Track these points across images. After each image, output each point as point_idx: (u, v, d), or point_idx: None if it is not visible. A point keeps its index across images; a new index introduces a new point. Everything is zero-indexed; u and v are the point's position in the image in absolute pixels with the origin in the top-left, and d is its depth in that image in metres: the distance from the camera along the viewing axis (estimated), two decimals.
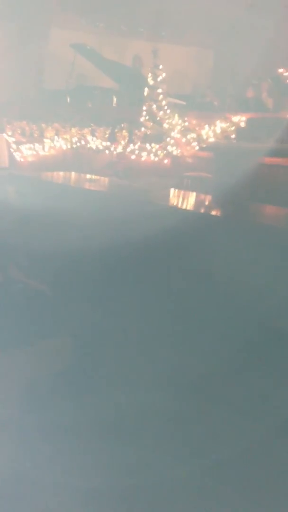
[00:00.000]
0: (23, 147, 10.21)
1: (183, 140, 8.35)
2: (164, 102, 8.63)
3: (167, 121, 8.49)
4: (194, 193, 6.04)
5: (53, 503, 2.45)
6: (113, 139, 8.93)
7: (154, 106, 8.57)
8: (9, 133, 10.34)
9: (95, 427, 2.85)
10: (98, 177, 6.81)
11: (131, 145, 8.70)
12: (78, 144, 9.49)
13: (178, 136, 8.37)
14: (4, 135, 10.16)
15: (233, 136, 8.10)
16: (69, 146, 9.65)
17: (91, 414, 2.91)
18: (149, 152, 8.51)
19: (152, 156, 8.49)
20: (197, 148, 8.21)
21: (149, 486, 2.60)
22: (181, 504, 2.55)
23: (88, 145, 9.33)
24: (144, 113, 8.67)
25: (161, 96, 8.60)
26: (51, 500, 2.46)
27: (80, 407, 2.92)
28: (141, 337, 3.76)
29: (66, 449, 2.71)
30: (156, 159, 8.46)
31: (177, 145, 8.36)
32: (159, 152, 8.41)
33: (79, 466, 2.63)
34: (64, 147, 9.73)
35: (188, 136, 8.31)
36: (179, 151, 8.34)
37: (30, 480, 2.52)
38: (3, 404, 2.91)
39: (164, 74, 8.69)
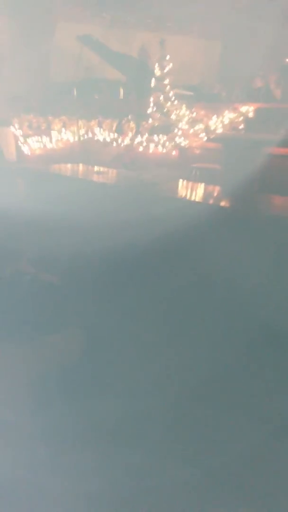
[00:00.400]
0: (30, 140, 10.20)
1: (191, 131, 8.32)
2: (171, 93, 8.59)
3: (174, 112, 8.46)
4: (203, 184, 6.02)
5: (54, 507, 2.45)
6: (120, 131, 8.91)
7: (162, 97, 8.54)
8: (16, 126, 10.33)
9: (96, 430, 2.85)
10: (106, 169, 6.79)
11: (139, 136, 8.68)
12: (86, 136, 9.48)
13: (186, 127, 8.34)
14: (12, 128, 10.16)
15: (241, 126, 8.07)
16: (76, 139, 9.64)
17: (93, 417, 2.91)
18: (157, 144, 8.48)
19: (160, 148, 8.47)
20: (205, 139, 8.18)
21: (150, 490, 2.60)
22: (182, 507, 2.54)
23: (96, 137, 9.32)
24: (151, 104, 8.64)
25: (168, 87, 8.57)
26: (52, 504, 2.46)
27: (83, 407, 2.92)
28: (149, 330, 3.76)
29: (67, 452, 2.72)
30: (164, 150, 8.44)
31: (185, 136, 8.33)
32: (167, 143, 8.39)
33: (79, 470, 2.63)
34: (72, 139, 9.72)
35: (196, 127, 8.28)
36: (187, 142, 8.31)
37: (31, 484, 2.53)
38: (12, 396, 2.91)
39: (171, 65, 8.65)
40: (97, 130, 9.28)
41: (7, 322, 2.99)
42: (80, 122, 9.53)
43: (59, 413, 2.83)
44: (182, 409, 3.10)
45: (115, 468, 2.66)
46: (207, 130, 8.19)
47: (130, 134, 8.79)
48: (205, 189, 5.98)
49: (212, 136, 8.10)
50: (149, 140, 8.57)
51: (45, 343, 3.08)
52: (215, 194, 5.83)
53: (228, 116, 8.13)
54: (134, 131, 8.76)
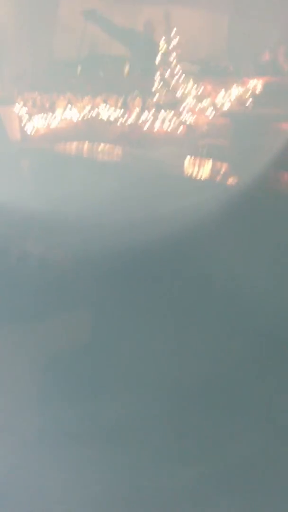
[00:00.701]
0: (34, 119, 10.07)
1: (198, 107, 8.16)
2: (177, 68, 8.43)
3: (181, 87, 8.30)
4: (211, 161, 5.90)
5: (54, 506, 2.42)
6: (126, 107, 8.77)
7: (168, 72, 8.37)
8: (20, 104, 10.20)
9: (95, 431, 2.81)
10: (111, 147, 6.68)
11: (145, 113, 8.53)
12: (91, 114, 9.33)
13: (193, 102, 8.18)
14: (15, 106, 10.02)
15: (249, 101, 7.91)
16: (81, 117, 9.50)
17: (91, 418, 2.87)
18: (164, 121, 8.33)
19: (166, 125, 8.32)
20: (212, 115, 8.02)
21: (150, 490, 2.57)
22: (182, 508, 2.52)
23: (101, 115, 9.17)
24: (158, 80, 8.48)
25: (174, 62, 8.39)
26: (49, 504, 2.43)
27: (80, 410, 2.87)
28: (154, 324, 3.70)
29: (65, 454, 2.68)
30: (171, 127, 8.29)
31: (192, 112, 8.17)
32: (173, 120, 8.24)
33: (79, 471, 2.60)
34: (76, 117, 9.58)
35: (203, 103, 8.12)
36: (194, 118, 8.16)
37: (26, 487, 2.49)
38: (19, 377, 2.87)
39: (177, 39, 8.47)
40: (102, 107, 9.13)
41: (15, 303, 2.93)
42: (85, 99, 9.38)
43: (62, 402, 2.77)
44: (183, 410, 3.06)
45: (115, 468, 2.61)
46: (214, 105, 8.03)
47: (136, 111, 8.64)
48: (213, 166, 5.85)
49: (219, 112, 7.94)
50: (155, 117, 8.42)
51: (52, 324, 3.01)
52: (224, 171, 5.71)
53: (236, 90, 7.96)
54: (140, 108, 8.61)
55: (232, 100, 7.97)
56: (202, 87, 8.34)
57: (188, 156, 6.29)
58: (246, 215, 4.18)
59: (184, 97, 8.24)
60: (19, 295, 3.16)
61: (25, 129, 10.14)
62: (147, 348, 3.44)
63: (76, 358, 3.10)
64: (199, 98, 8.18)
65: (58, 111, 9.79)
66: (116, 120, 8.93)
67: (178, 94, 8.30)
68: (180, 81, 8.40)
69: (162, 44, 8.56)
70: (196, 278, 4.03)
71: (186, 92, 8.27)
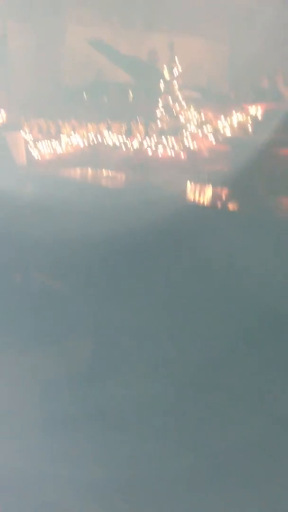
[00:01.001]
0: (40, 144, 10.25)
1: (200, 133, 8.31)
2: (180, 95, 8.60)
3: (183, 114, 8.46)
4: (211, 187, 6.01)
5: (53, 496, 2.47)
6: (129, 133, 8.93)
7: (170, 99, 8.54)
8: (26, 131, 10.39)
9: (95, 418, 2.87)
10: (115, 173, 6.82)
11: (148, 139, 8.68)
12: (95, 140, 9.50)
13: (195, 129, 8.33)
14: (22, 132, 10.21)
15: (250, 127, 8.04)
16: (85, 142, 9.68)
17: (92, 405, 2.93)
18: (166, 146, 8.49)
19: (169, 150, 8.47)
20: (213, 141, 8.17)
21: (149, 479, 2.62)
22: (181, 496, 2.56)
23: (105, 141, 9.34)
24: (160, 106, 8.65)
25: (177, 89, 8.57)
26: (50, 493, 2.48)
27: (81, 398, 2.94)
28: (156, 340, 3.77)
29: (66, 441, 2.73)
30: (173, 153, 8.44)
31: (193, 138, 8.32)
32: (175, 146, 8.39)
33: (78, 458, 2.65)
34: (81, 143, 9.75)
35: (205, 129, 8.27)
36: (195, 144, 8.31)
37: (29, 473, 2.55)
38: (21, 401, 2.93)
39: (179, 67, 8.66)
40: (106, 133, 9.30)
41: (15, 329, 3.01)
42: (89, 126, 9.56)
43: (63, 416, 2.85)
44: (183, 401, 3.11)
45: (114, 458, 2.67)
46: (215, 131, 8.18)
47: (139, 137, 8.80)
48: (214, 191, 5.97)
49: (220, 138, 8.09)
50: (158, 143, 8.57)
51: (53, 349, 3.09)
52: (224, 196, 5.83)
53: (236, 117, 8.11)
54: (143, 133, 8.77)
55: (233, 126, 8.11)
56: (204, 114, 8.49)
57: (190, 181, 6.41)
58: (247, 240, 4.27)
59: (186, 124, 8.40)
60: (19, 319, 3.22)
61: (31, 154, 10.32)
62: (150, 357, 3.49)
63: (83, 363, 3.15)
64: (201, 125, 8.33)
65: (63, 137, 9.97)
66: (120, 145, 9.09)
67: (180, 120, 8.47)
68: (182, 108, 8.57)
69: (165, 72, 8.75)
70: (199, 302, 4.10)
71: (188, 118, 8.43)
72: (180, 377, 3.32)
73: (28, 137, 10.29)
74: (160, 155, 8.56)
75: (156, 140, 8.58)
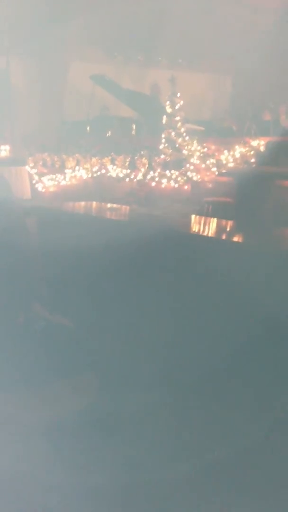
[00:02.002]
0: (45, 179, 10.35)
1: (203, 165, 8.38)
2: (182, 129, 8.69)
3: (186, 147, 8.54)
4: (216, 219, 6.02)
5: (52, 501, 2.45)
6: (133, 167, 9.01)
7: (173, 133, 8.64)
8: (31, 165, 10.50)
9: (95, 425, 2.85)
10: (119, 206, 6.85)
11: (151, 172, 8.76)
12: (99, 173, 9.59)
13: (198, 162, 8.40)
14: (27, 167, 10.32)
15: (252, 160, 8.11)
16: (90, 176, 9.76)
17: (92, 413, 2.91)
18: (169, 179, 8.55)
19: (172, 183, 8.53)
20: (217, 173, 8.23)
21: (149, 485, 2.60)
22: (180, 502, 2.54)
23: (109, 174, 9.42)
24: (163, 140, 8.75)
25: (179, 123, 8.68)
26: (49, 498, 2.46)
27: (82, 405, 2.92)
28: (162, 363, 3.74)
29: (66, 448, 2.71)
30: (177, 185, 8.50)
31: (197, 171, 8.39)
32: (179, 178, 8.45)
33: (78, 464, 2.63)
34: (85, 176, 9.84)
35: (208, 162, 8.34)
36: (199, 177, 8.37)
37: (29, 479, 2.52)
38: (21, 407, 2.90)
39: (182, 102, 8.78)
40: (110, 166, 9.39)
41: (20, 369, 2.99)
42: (93, 159, 9.66)
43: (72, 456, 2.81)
44: (182, 407, 3.09)
45: (113, 464, 2.64)
46: (218, 164, 8.25)
47: (142, 170, 8.88)
48: (217, 223, 5.98)
49: (224, 170, 8.15)
50: (161, 176, 8.64)
51: (59, 389, 3.06)
52: (228, 227, 5.83)
53: (239, 150, 8.19)
54: (146, 167, 8.85)
55: (236, 159, 8.19)
56: (206, 147, 8.58)
57: (194, 214, 6.43)
58: (251, 272, 4.25)
59: (189, 156, 8.48)
60: (22, 359, 3.21)
61: (35, 188, 10.41)
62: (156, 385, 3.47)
63: (90, 402, 3.13)
64: (204, 158, 8.41)
65: (68, 171, 10.07)
66: (124, 178, 9.17)
67: (183, 153, 8.55)
68: (185, 141, 8.65)
69: (168, 106, 8.86)
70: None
71: (191, 151, 8.51)
72: (181, 387, 3.32)
73: (33, 171, 10.41)
74: (163, 188, 8.63)
75: (160, 173, 8.65)
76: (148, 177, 8.79)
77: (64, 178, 10.09)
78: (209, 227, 5.79)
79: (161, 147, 8.76)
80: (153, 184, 8.73)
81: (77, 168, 9.92)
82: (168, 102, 8.84)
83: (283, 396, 3.31)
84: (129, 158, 9.15)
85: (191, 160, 8.40)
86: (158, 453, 2.92)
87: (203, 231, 5.66)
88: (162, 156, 8.69)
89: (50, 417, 2.92)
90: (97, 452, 2.85)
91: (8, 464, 2.65)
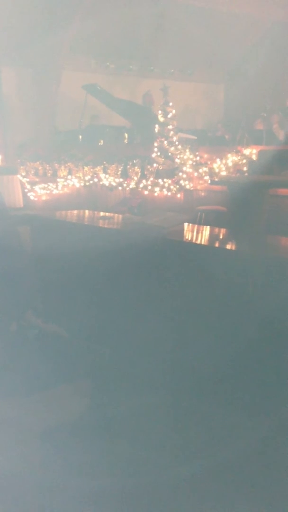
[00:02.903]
0: (37, 187, 10.33)
1: (195, 174, 8.38)
2: (175, 138, 8.69)
3: (178, 156, 8.55)
4: (208, 227, 6.02)
5: (53, 503, 2.42)
6: (125, 175, 9.00)
7: (166, 142, 8.64)
8: (23, 174, 10.48)
9: (96, 427, 2.82)
10: (112, 214, 6.84)
11: (144, 181, 8.75)
12: (91, 182, 9.58)
13: (190, 170, 8.41)
14: (18, 176, 10.30)
15: (245, 168, 8.13)
16: (82, 185, 9.75)
17: (93, 415, 2.89)
18: (162, 188, 8.55)
19: (165, 191, 8.53)
20: (209, 182, 8.24)
21: (150, 487, 2.58)
22: (181, 503, 2.53)
23: (101, 183, 9.41)
24: (156, 149, 8.75)
25: (172, 132, 8.68)
26: (51, 500, 2.43)
27: (82, 408, 2.90)
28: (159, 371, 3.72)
29: (67, 449, 2.69)
30: (169, 194, 8.49)
31: (189, 179, 8.39)
32: (172, 187, 8.45)
33: (79, 466, 2.60)
34: (77, 185, 9.82)
35: (200, 170, 8.35)
36: (191, 185, 8.37)
37: (30, 481, 2.50)
38: (21, 410, 2.88)
39: (174, 111, 8.79)
40: (102, 175, 9.38)
41: (15, 376, 2.96)
42: (85, 168, 9.65)
43: (65, 467, 2.77)
44: (184, 410, 3.07)
45: (114, 466, 2.62)
46: (211, 173, 8.25)
47: (135, 179, 8.87)
48: (211, 232, 5.96)
49: (216, 179, 8.16)
50: (154, 184, 8.63)
51: (52, 396, 3.03)
52: (222, 236, 5.82)
53: (232, 158, 8.20)
54: (139, 175, 8.84)
55: (228, 167, 8.20)
56: (199, 156, 8.59)
57: (187, 222, 6.42)
58: (244, 280, 4.25)
59: (181, 165, 8.48)
60: (18, 366, 3.18)
61: (27, 197, 10.38)
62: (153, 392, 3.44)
63: (84, 409, 3.10)
64: (196, 166, 8.42)
65: (60, 180, 10.05)
66: (116, 187, 9.16)
67: (176, 162, 8.55)
68: (178, 149, 8.66)
69: (160, 115, 8.87)
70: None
71: (183, 160, 8.52)
72: (179, 390, 3.30)
73: (25, 180, 10.38)
74: (156, 196, 8.62)
75: (152, 182, 8.64)
76: (141, 185, 8.78)
77: (57, 187, 10.08)
78: (202, 235, 5.77)
79: (153, 155, 8.76)
80: (146, 192, 8.72)
81: (69, 177, 9.90)
82: (160, 111, 8.85)
83: (283, 398, 3.30)
84: (122, 167, 9.14)
85: (184, 168, 8.40)
86: (158, 455, 2.90)
87: (196, 239, 5.64)
88: (155, 165, 8.69)
89: (44, 422, 2.89)
90: (95, 456, 2.83)
91: (7, 469, 2.62)
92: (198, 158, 8.51)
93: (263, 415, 3.22)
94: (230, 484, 2.67)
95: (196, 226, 6.25)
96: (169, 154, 8.60)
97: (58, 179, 10.06)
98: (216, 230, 5.95)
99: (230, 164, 8.19)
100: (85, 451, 2.89)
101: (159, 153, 8.69)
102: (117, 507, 2.57)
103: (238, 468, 2.76)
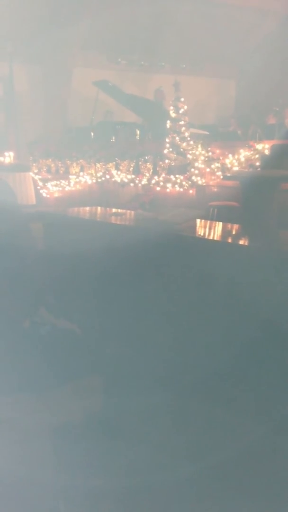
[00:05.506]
0: (49, 184, 10.36)
1: (208, 170, 8.35)
2: (187, 134, 8.66)
3: (190, 151, 8.51)
4: (221, 223, 6.00)
5: (55, 505, 2.44)
6: (137, 172, 8.99)
7: (177, 137, 8.61)
8: (36, 171, 10.51)
9: (97, 428, 2.83)
10: (124, 211, 6.84)
11: (156, 177, 8.74)
12: (103, 178, 9.58)
13: (203, 166, 8.37)
14: (31, 173, 10.33)
15: (257, 164, 8.08)
16: (94, 181, 9.75)
17: (93, 415, 2.90)
18: (174, 184, 8.53)
19: (177, 187, 8.51)
20: (222, 177, 8.20)
21: (151, 487, 2.59)
22: (182, 504, 2.53)
23: (113, 179, 9.41)
24: (168, 145, 8.72)
25: (183, 128, 8.65)
26: (53, 502, 2.44)
27: (82, 407, 2.90)
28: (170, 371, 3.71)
29: (69, 450, 2.70)
30: (182, 190, 8.47)
31: (201, 175, 8.36)
32: (184, 183, 8.42)
33: (80, 467, 2.62)
34: (90, 182, 9.83)
35: (213, 166, 8.31)
36: (204, 181, 8.34)
37: (32, 482, 2.51)
38: (22, 410, 2.88)
39: (186, 106, 8.76)
40: (114, 172, 9.38)
41: (26, 373, 2.96)
42: (97, 165, 9.66)
43: (77, 463, 2.79)
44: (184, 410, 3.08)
45: (115, 466, 2.63)
46: (223, 168, 8.22)
47: (147, 175, 8.86)
48: (223, 228, 5.94)
49: (228, 174, 8.12)
50: (166, 180, 8.62)
51: (64, 392, 3.04)
52: (234, 232, 5.80)
53: (244, 153, 8.16)
54: (151, 171, 8.83)
55: (240, 162, 8.16)
56: (211, 151, 8.55)
57: (199, 218, 6.41)
58: (257, 275, 4.23)
59: (193, 161, 8.45)
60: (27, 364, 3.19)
61: (40, 193, 10.42)
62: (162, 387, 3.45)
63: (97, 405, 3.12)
64: (208, 162, 8.38)
65: (72, 177, 10.07)
66: (128, 183, 9.16)
67: (188, 157, 8.52)
68: (190, 145, 8.63)
69: (172, 111, 8.84)
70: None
71: (195, 155, 8.48)
72: (183, 390, 3.31)
73: (37, 177, 10.42)
74: (168, 192, 8.60)
75: (164, 178, 8.63)
76: (153, 182, 8.77)
77: (69, 184, 10.09)
78: (214, 231, 5.75)
79: (165, 151, 8.74)
80: (158, 189, 8.70)
81: (81, 173, 9.91)
82: (172, 107, 8.82)
83: (284, 399, 3.29)
84: (134, 163, 9.13)
85: (196, 164, 8.37)
86: (160, 456, 2.90)
87: (209, 235, 5.62)
88: (167, 161, 8.67)
89: (55, 421, 2.89)
90: (100, 455, 2.84)
91: (11, 468, 2.63)
92: (210, 153, 8.47)
93: (268, 414, 3.22)
94: (231, 485, 2.67)
95: (208, 222, 6.23)
96: (181, 150, 8.58)
97: (70, 176, 10.08)
98: (229, 226, 5.93)
99: (242, 159, 8.14)
100: (98, 448, 2.90)
101: (171, 149, 8.67)
102: (117, 507, 2.57)
103: (239, 468, 2.76)
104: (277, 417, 3.19)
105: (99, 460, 2.83)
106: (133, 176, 9.06)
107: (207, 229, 5.90)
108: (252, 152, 8.12)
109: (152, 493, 2.64)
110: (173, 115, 8.76)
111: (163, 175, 8.63)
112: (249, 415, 3.23)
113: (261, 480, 2.72)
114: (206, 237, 5.45)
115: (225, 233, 5.66)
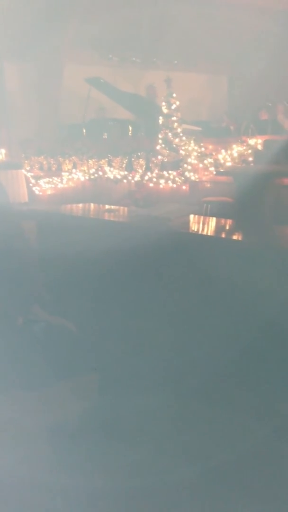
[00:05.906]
0: (41, 182, 10.31)
1: (201, 165, 8.34)
2: (179, 129, 8.64)
3: (183, 147, 8.50)
4: (215, 218, 5.99)
5: (54, 505, 2.43)
6: (130, 168, 8.97)
7: (170, 133, 8.59)
8: (28, 168, 10.46)
9: (93, 427, 2.82)
10: (117, 207, 6.82)
11: (149, 173, 8.72)
12: (96, 175, 9.55)
13: (195, 162, 8.36)
14: (23, 170, 10.28)
15: (250, 159, 8.08)
16: (87, 178, 9.72)
17: (93, 416, 2.89)
18: (167, 180, 8.51)
19: (170, 183, 8.49)
20: (214, 173, 8.19)
21: (151, 487, 2.58)
22: (182, 505, 2.53)
23: (106, 176, 9.38)
24: (160, 141, 8.70)
25: (176, 124, 8.63)
26: (51, 502, 2.43)
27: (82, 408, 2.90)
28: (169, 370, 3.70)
29: (68, 451, 2.69)
30: (175, 186, 8.46)
31: (194, 171, 8.35)
32: (177, 179, 8.41)
33: (80, 468, 2.60)
34: (82, 179, 9.80)
35: (205, 161, 8.30)
36: (197, 177, 8.33)
37: (31, 482, 2.50)
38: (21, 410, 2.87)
39: (178, 102, 8.73)
40: (107, 168, 9.35)
41: (20, 370, 2.95)
42: (90, 162, 9.63)
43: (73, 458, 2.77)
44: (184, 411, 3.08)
45: (115, 467, 2.62)
46: (216, 164, 8.21)
47: (140, 171, 8.84)
48: (217, 223, 5.93)
49: (221, 170, 8.11)
50: (159, 176, 8.60)
51: (60, 390, 3.02)
52: (228, 227, 5.79)
53: (237, 149, 8.15)
54: (144, 168, 8.81)
55: (233, 158, 8.15)
56: (204, 147, 8.54)
57: (193, 214, 6.39)
58: (250, 270, 4.22)
59: (186, 157, 8.43)
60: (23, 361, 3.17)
61: (32, 191, 10.37)
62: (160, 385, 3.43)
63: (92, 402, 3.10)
64: (201, 157, 8.37)
65: (64, 174, 10.03)
66: (121, 180, 9.13)
67: (181, 153, 8.50)
68: (182, 141, 8.61)
69: (164, 107, 8.81)
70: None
71: (188, 151, 8.47)
72: (182, 390, 3.30)
73: (29, 174, 10.37)
74: (161, 188, 8.58)
75: (157, 174, 8.61)
76: (146, 178, 8.74)
77: (61, 181, 10.06)
78: (208, 227, 5.74)
79: (158, 148, 8.71)
80: (151, 185, 8.68)
81: (74, 170, 9.88)
82: (164, 103, 8.79)
83: (284, 399, 3.29)
84: (126, 160, 9.11)
85: (189, 160, 8.35)
86: (159, 456, 2.89)
87: (203, 230, 5.61)
88: (160, 157, 8.64)
89: (51, 420, 2.88)
90: (98, 455, 2.82)
91: (9, 467, 2.61)
92: (203, 149, 8.46)
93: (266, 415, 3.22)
94: (231, 486, 2.66)
95: (202, 217, 6.22)
96: (174, 146, 8.56)
97: (63, 173, 10.04)
98: (222, 221, 5.92)
99: (235, 154, 8.14)
100: (97, 444, 2.89)
101: (163, 145, 8.64)
102: (117, 507, 2.56)
103: (239, 470, 2.75)
104: (279, 418, 3.19)
105: (96, 459, 2.82)
106: (126, 172, 9.03)
107: (200, 225, 5.88)
108: (245, 148, 8.12)
109: (152, 494, 2.63)
110: (165, 111, 8.73)
111: (156, 171, 8.61)
112: (250, 416, 3.22)
113: (262, 481, 2.71)
114: (200, 232, 5.44)
115: (219, 228, 5.65)
